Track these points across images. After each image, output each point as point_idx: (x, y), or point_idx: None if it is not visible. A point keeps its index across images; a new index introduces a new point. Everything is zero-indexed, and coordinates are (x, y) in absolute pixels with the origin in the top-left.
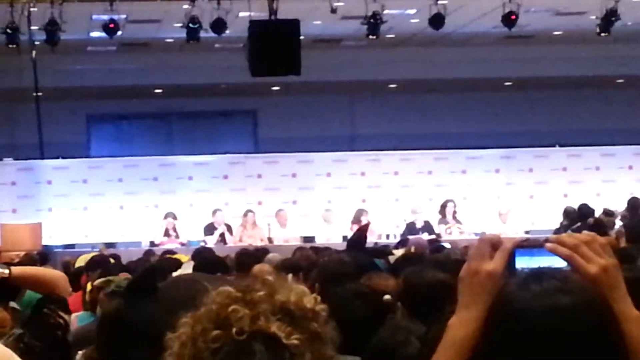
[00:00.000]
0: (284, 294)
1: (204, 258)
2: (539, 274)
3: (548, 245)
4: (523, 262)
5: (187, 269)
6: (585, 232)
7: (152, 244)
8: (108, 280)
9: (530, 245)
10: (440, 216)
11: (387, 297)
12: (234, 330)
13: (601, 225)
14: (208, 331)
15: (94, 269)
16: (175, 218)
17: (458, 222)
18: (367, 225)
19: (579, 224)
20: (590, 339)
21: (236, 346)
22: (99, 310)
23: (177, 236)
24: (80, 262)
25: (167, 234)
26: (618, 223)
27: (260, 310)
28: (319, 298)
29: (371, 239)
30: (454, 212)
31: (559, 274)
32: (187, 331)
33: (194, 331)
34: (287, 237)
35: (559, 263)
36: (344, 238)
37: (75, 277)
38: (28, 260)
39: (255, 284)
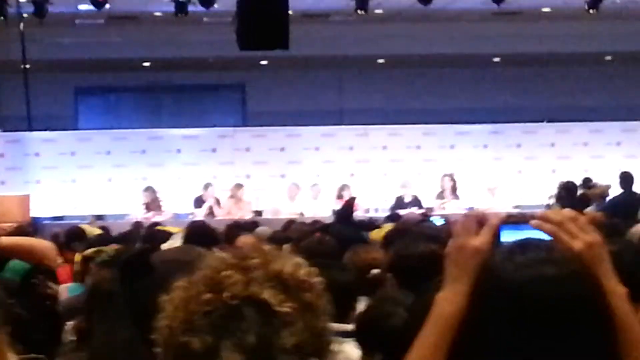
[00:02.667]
0: (279, 263)
1: (194, 229)
2: (523, 245)
3: (533, 221)
4: (508, 238)
5: (176, 239)
6: (567, 209)
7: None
8: (99, 250)
9: (515, 222)
10: (439, 190)
11: (374, 271)
12: (225, 294)
13: (586, 200)
14: (201, 294)
15: (74, 241)
16: (154, 191)
17: (456, 197)
18: (353, 199)
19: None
20: (575, 309)
21: (227, 310)
22: (87, 280)
23: (159, 208)
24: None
25: (147, 208)
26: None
27: (254, 276)
28: (314, 270)
29: (358, 214)
30: (453, 187)
31: (544, 245)
32: (181, 294)
33: (187, 294)
34: (277, 210)
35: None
36: (333, 212)
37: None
38: (20, 231)
39: (251, 252)
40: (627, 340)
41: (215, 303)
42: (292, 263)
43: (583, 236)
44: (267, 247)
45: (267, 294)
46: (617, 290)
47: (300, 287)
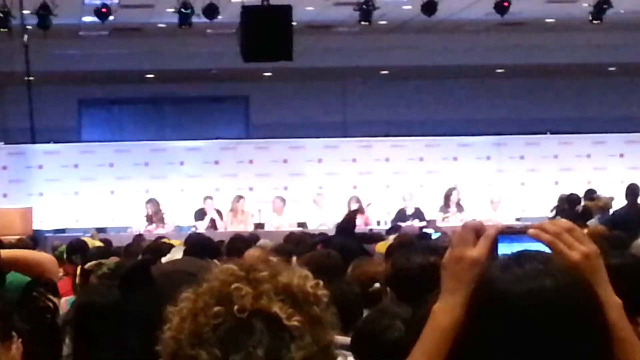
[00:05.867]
0: (287, 275)
1: (195, 242)
2: (520, 257)
3: (530, 231)
4: (506, 249)
5: (176, 252)
6: (563, 219)
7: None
8: (99, 263)
9: (513, 232)
10: (442, 204)
11: (376, 285)
12: (235, 307)
13: (589, 212)
14: (209, 307)
15: (75, 253)
16: (158, 203)
17: (460, 210)
18: (355, 211)
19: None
20: (573, 321)
21: (237, 323)
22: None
23: (161, 221)
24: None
25: (149, 220)
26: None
27: (263, 289)
28: (321, 283)
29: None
30: (458, 200)
31: (541, 257)
32: (188, 305)
33: (195, 306)
34: (279, 223)
35: (541, 250)
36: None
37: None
38: (22, 245)
39: (258, 264)
40: (623, 350)
41: (224, 316)
42: (299, 275)
43: (579, 247)
44: (273, 259)
45: (277, 308)
46: (613, 301)
47: (308, 300)
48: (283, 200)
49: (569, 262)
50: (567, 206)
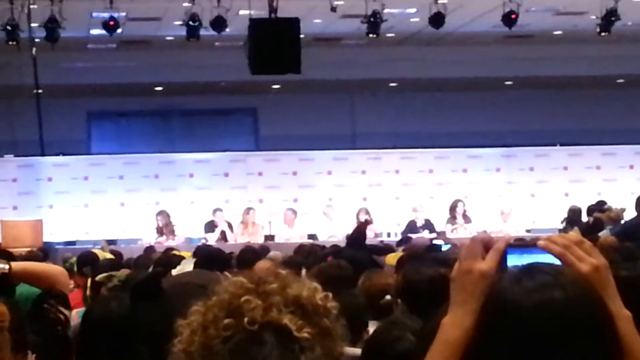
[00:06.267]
0: (296, 288)
1: (205, 254)
2: (530, 269)
3: (540, 243)
4: (515, 262)
5: (186, 264)
6: (572, 232)
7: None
8: (110, 275)
9: (522, 245)
10: (449, 216)
11: (387, 297)
12: (245, 319)
13: (599, 224)
14: (219, 319)
15: (85, 265)
16: (168, 215)
17: (468, 221)
18: (366, 223)
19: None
20: (582, 333)
21: (247, 335)
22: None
23: (172, 233)
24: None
25: (160, 232)
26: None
27: (273, 302)
28: (330, 295)
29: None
30: (464, 212)
31: (551, 269)
32: (198, 318)
33: (205, 319)
34: (289, 235)
35: (551, 262)
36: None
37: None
38: (32, 257)
39: (268, 276)
40: None
41: (234, 328)
42: (308, 288)
43: (589, 259)
44: (283, 271)
45: (287, 320)
46: (622, 313)
47: (317, 312)
48: (294, 212)
49: (579, 274)
50: (587, 216)
